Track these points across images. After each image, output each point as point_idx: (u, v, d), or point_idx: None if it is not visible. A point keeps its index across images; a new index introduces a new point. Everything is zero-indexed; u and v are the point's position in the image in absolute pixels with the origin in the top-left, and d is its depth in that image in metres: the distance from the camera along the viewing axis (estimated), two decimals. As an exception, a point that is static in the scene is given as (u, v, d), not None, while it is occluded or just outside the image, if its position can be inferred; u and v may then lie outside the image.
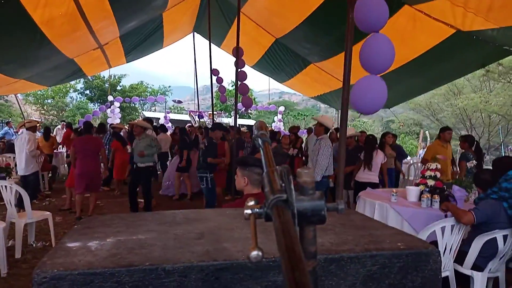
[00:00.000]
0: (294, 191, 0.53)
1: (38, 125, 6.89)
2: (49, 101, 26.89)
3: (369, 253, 1.09)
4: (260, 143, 0.76)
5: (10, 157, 7.91)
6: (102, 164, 6.84)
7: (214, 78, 10.80)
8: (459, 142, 6.12)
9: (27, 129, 6.41)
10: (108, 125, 10.28)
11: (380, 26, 3.18)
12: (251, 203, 0.54)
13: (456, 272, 3.16)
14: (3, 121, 17.52)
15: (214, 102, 11.52)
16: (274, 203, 0.49)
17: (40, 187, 7.73)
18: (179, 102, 19.56)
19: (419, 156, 13.44)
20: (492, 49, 5.30)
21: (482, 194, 3.34)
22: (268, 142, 0.75)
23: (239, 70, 7.56)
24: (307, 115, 32.22)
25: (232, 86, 23.92)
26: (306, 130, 14.67)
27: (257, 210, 0.53)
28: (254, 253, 0.48)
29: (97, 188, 6.19)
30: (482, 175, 3.51)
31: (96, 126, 9.16)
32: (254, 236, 0.50)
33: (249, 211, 0.53)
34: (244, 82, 9.07)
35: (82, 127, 8.06)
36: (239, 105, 12.49)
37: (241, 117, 23.91)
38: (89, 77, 25.73)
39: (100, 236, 1.21)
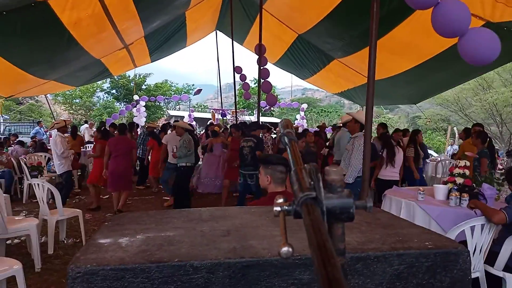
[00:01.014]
0: (323, 189, 0.53)
1: (66, 124, 7.06)
2: (77, 100, 27.69)
3: (396, 252, 1.08)
4: (286, 141, 0.76)
5: (41, 155, 8.19)
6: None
7: (237, 76, 10.80)
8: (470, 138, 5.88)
9: (57, 130, 6.61)
10: (141, 126, 10.47)
11: None
12: (280, 200, 0.54)
13: (487, 273, 3.07)
14: (34, 121, 18.15)
15: (237, 100, 11.55)
16: (303, 200, 0.49)
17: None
18: (199, 91, 19.70)
19: (447, 153, 13.08)
20: (524, 41, 5.09)
21: (515, 192, 3.23)
22: (294, 141, 0.75)
23: (261, 67, 7.56)
24: (330, 112, 31.94)
25: (255, 83, 23.94)
26: (331, 127, 14.51)
27: (286, 207, 0.53)
28: (285, 249, 0.48)
29: (127, 187, 6.36)
30: (514, 173, 3.39)
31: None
32: (284, 233, 0.51)
33: (278, 209, 0.54)
34: (267, 79, 9.04)
35: (103, 127, 8.31)
36: (263, 102, 12.48)
37: (264, 114, 23.92)
38: (115, 77, 26.31)
39: (130, 233, 1.23)
